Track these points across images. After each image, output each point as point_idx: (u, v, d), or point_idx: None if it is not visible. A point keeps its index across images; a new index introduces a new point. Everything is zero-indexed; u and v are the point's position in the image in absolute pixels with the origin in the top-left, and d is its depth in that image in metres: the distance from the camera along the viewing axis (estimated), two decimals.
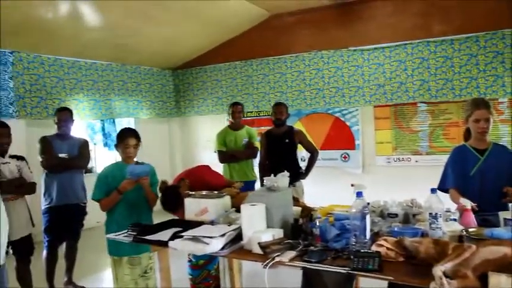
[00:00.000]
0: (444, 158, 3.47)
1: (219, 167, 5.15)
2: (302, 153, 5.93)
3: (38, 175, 4.57)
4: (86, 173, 5.12)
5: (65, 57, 7.30)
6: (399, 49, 7.09)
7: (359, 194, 2.42)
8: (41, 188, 4.62)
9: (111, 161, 5.44)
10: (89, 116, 7.82)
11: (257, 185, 5.53)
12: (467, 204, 2.69)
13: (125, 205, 3.38)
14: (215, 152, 5.77)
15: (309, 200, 3.94)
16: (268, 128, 5.67)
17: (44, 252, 4.67)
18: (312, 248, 2.43)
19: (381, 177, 7.12)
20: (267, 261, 2.28)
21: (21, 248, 4.11)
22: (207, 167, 3.97)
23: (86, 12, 6.21)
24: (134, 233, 2.94)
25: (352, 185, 2.75)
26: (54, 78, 7.15)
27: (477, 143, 3.21)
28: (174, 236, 2.71)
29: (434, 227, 2.43)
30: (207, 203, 3.09)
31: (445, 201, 2.66)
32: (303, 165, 5.45)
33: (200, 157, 8.89)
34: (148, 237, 2.83)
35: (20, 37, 6.17)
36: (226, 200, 3.18)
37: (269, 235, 2.50)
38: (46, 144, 4.65)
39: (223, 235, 2.54)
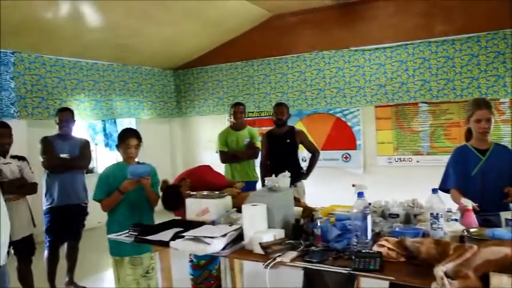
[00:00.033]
0: (445, 158, 3.47)
1: (220, 167, 5.15)
2: (303, 154, 5.92)
3: (39, 175, 4.58)
4: (87, 173, 5.12)
5: (66, 58, 7.31)
6: (400, 49, 7.09)
7: (360, 194, 2.42)
8: (42, 188, 4.62)
9: (112, 162, 5.46)
10: (90, 116, 7.83)
11: (258, 185, 5.53)
12: (469, 204, 2.69)
13: (126, 205, 3.38)
14: (217, 152, 5.77)
15: (310, 200, 3.94)
16: (270, 128, 5.67)
17: (46, 253, 4.67)
18: (313, 248, 2.43)
19: (382, 178, 7.12)
20: (268, 262, 2.28)
21: (23, 248, 4.11)
22: (208, 167, 3.97)
23: (86, 13, 6.21)
24: (135, 233, 2.94)
25: (353, 185, 2.75)
26: (56, 78, 7.16)
27: (478, 143, 3.21)
28: (176, 236, 2.72)
29: (435, 227, 2.43)
30: (208, 203, 3.09)
31: (447, 202, 2.66)
32: (304, 165, 5.45)
33: (201, 157, 8.90)
34: (149, 238, 2.84)
35: (20, 37, 6.18)
36: (228, 200, 3.18)
37: (270, 235, 2.50)
38: (47, 144, 4.65)
39: (224, 235, 2.54)
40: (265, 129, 6.38)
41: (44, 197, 4.69)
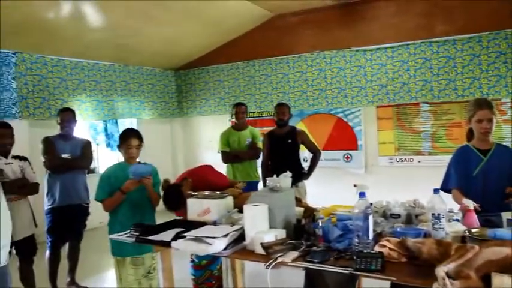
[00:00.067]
0: (447, 159, 3.47)
1: (221, 168, 5.14)
2: (304, 154, 5.92)
3: (40, 175, 4.58)
4: (88, 173, 5.13)
5: (68, 58, 7.31)
6: (402, 49, 7.09)
7: (362, 195, 2.42)
8: (43, 188, 4.63)
9: (113, 162, 5.46)
10: (92, 116, 7.83)
11: (260, 186, 5.52)
12: (470, 204, 2.69)
13: (128, 205, 3.39)
14: (218, 152, 5.77)
15: (311, 201, 3.94)
16: (271, 128, 5.67)
17: (47, 253, 4.68)
18: (314, 248, 2.43)
19: (384, 178, 7.11)
20: (270, 262, 2.28)
21: (24, 248, 4.12)
22: (210, 167, 3.97)
23: (87, 13, 6.21)
24: (137, 233, 2.94)
25: (354, 186, 2.75)
26: (57, 78, 7.16)
27: (480, 144, 3.21)
28: (177, 236, 2.72)
29: (437, 227, 2.43)
30: (209, 203, 3.09)
31: (448, 202, 2.65)
32: (305, 165, 5.45)
33: (202, 157, 8.90)
34: (151, 238, 2.84)
35: (21, 37, 6.18)
36: (229, 200, 3.18)
37: (272, 235, 2.50)
38: (49, 144, 4.66)
39: (225, 235, 2.54)
40: (267, 129, 6.37)
41: (45, 197, 4.69)
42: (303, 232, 2.63)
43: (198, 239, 2.57)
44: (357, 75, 7.49)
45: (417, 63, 6.99)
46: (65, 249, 4.84)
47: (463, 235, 2.36)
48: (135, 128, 5.62)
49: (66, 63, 7.31)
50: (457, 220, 2.58)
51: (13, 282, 3.15)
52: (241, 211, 2.80)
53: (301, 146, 5.35)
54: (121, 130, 3.94)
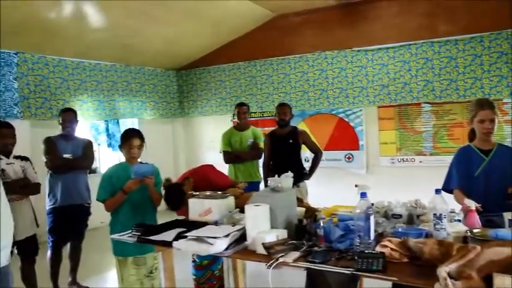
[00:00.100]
0: (448, 159, 3.46)
1: (223, 168, 5.14)
2: (306, 154, 5.92)
3: (42, 176, 4.59)
4: (90, 173, 5.14)
5: (69, 58, 7.32)
6: (403, 49, 7.09)
7: (363, 195, 2.42)
8: (45, 188, 4.63)
9: (115, 162, 5.47)
10: (93, 116, 7.84)
11: (262, 186, 5.52)
12: (472, 205, 2.68)
13: (130, 206, 3.39)
14: (220, 152, 5.77)
15: (312, 201, 3.94)
16: (272, 128, 5.67)
17: (49, 253, 4.68)
18: (315, 248, 2.43)
19: (385, 178, 7.11)
20: (271, 262, 2.28)
21: (26, 248, 4.13)
22: (212, 167, 3.97)
23: (89, 13, 6.22)
24: (138, 233, 2.95)
25: (356, 186, 2.75)
26: (59, 79, 7.17)
27: (482, 144, 3.20)
28: (178, 236, 2.72)
29: (438, 227, 2.43)
30: (211, 203, 3.09)
31: (450, 202, 2.65)
32: (306, 165, 5.45)
33: (204, 158, 8.90)
34: (152, 238, 2.84)
35: (22, 37, 6.19)
36: (230, 200, 3.18)
37: (273, 236, 2.50)
38: (50, 144, 4.66)
39: (227, 235, 2.55)
40: (268, 129, 6.37)
41: (47, 197, 4.70)
42: (305, 232, 2.63)
43: (199, 239, 2.57)
44: (359, 76, 7.49)
45: (419, 63, 6.99)
46: (66, 249, 4.84)
47: (464, 235, 2.35)
48: (137, 128, 5.61)
49: (67, 64, 7.32)
50: (459, 220, 2.57)
51: (15, 282, 3.14)
52: (242, 211, 2.80)
53: (303, 146, 5.35)
54: (122, 130, 3.94)
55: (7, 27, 5.56)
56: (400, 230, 2.58)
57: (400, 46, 7.10)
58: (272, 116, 6.78)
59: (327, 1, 7.35)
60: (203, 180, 3.64)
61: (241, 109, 5.70)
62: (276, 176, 3.10)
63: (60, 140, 4.74)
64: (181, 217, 3.44)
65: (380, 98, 7.34)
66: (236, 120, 5.79)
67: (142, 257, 3.39)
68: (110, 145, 8.70)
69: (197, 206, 3.14)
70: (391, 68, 7.19)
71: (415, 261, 2.14)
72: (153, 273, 3.49)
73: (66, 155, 4.68)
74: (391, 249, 2.21)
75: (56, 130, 4.85)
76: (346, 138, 7.79)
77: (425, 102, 7.07)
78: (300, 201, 3.31)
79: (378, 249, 2.24)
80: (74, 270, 4.86)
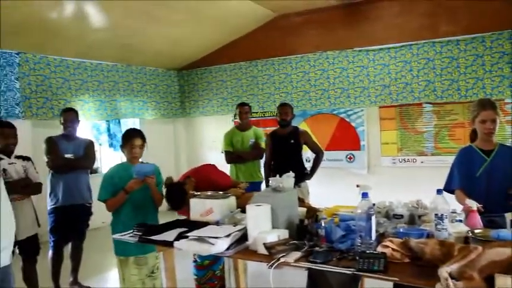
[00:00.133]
0: (450, 159, 3.46)
1: (224, 168, 5.15)
2: (307, 154, 5.93)
3: (43, 175, 4.60)
4: (91, 173, 5.13)
5: (71, 58, 7.33)
6: (405, 50, 7.08)
7: (365, 195, 2.41)
8: (46, 188, 4.64)
9: (116, 162, 5.46)
10: (95, 116, 7.85)
11: (263, 186, 5.53)
12: (473, 205, 2.68)
13: (131, 206, 3.39)
14: (222, 152, 5.78)
15: (314, 201, 3.94)
16: (274, 128, 5.67)
17: (50, 252, 4.68)
18: (317, 248, 2.43)
19: (386, 178, 7.10)
20: (272, 262, 2.28)
21: (28, 247, 4.13)
22: (213, 166, 3.98)
23: (90, 13, 6.22)
24: (140, 233, 2.95)
25: (357, 186, 2.74)
26: (60, 79, 7.18)
27: (483, 144, 3.20)
28: (180, 236, 2.72)
29: (440, 228, 2.43)
30: (212, 203, 3.09)
31: (451, 202, 2.65)
32: (308, 165, 5.45)
33: (205, 158, 8.89)
34: (153, 238, 2.84)
35: (24, 37, 6.19)
36: (232, 200, 3.18)
37: (274, 236, 2.50)
38: (52, 144, 4.67)
39: (228, 235, 2.55)
40: (269, 129, 6.37)
41: (48, 197, 4.71)
42: (306, 232, 2.63)
43: (200, 239, 2.57)
44: (360, 76, 7.48)
45: (420, 63, 6.98)
46: (67, 249, 4.85)
47: (466, 236, 2.35)
48: (138, 128, 5.62)
49: (69, 64, 7.32)
50: (460, 221, 2.57)
51: (16, 282, 3.15)
52: (244, 211, 2.80)
53: (304, 146, 5.35)
54: (124, 130, 3.94)
55: (7, 27, 5.56)
56: (401, 230, 2.58)
57: (401, 46, 7.09)
58: (273, 116, 6.79)
59: (328, 1, 7.35)
60: (205, 179, 3.64)
61: (243, 109, 5.71)
62: (277, 176, 3.10)
63: (62, 140, 4.74)
64: (183, 217, 3.44)
65: (381, 98, 7.34)
66: (238, 120, 5.79)
67: (143, 256, 3.39)
68: (111, 145, 8.71)
69: (198, 206, 3.14)
70: (393, 68, 7.19)
71: (417, 262, 2.14)
72: (154, 273, 3.49)
73: (67, 155, 4.69)
74: (393, 249, 2.21)
75: (58, 130, 4.86)
76: (347, 139, 7.78)
77: (426, 103, 7.07)
78: (301, 202, 3.32)
79: (379, 249, 2.24)
80: (75, 270, 4.87)
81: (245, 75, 8.64)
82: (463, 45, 6.65)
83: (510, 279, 1.74)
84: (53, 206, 4.67)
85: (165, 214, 3.58)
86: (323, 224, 2.59)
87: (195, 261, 3.86)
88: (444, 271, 1.81)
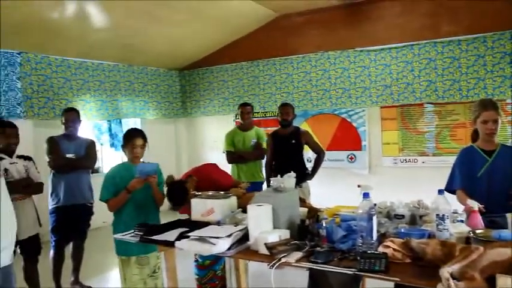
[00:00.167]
0: (451, 159, 3.46)
1: (226, 168, 5.15)
2: (308, 154, 5.92)
3: (45, 175, 4.60)
4: (92, 173, 5.14)
5: (72, 58, 7.33)
6: (406, 50, 7.07)
7: (366, 195, 2.41)
8: (48, 188, 4.64)
9: (117, 162, 5.47)
10: (96, 116, 7.85)
11: (264, 186, 5.52)
12: (475, 205, 2.68)
13: (133, 205, 3.39)
14: (224, 152, 5.78)
15: (315, 201, 3.94)
16: (275, 128, 5.67)
17: (51, 252, 4.69)
18: (318, 248, 2.43)
19: (388, 178, 7.10)
20: (273, 262, 2.28)
21: (29, 247, 4.13)
22: (215, 165, 3.98)
23: (92, 13, 6.23)
24: (141, 233, 2.95)
25: (358, 186, 2.74)
26: (62, 78, 7.18)
27: (485, 144, 3.20)
28: (181, 236, 2.72)
29: (441, 228, 2.42)
30: (213, 203, 3.09)
31: (452, 203, 2.65)
32: (309, 166, 5.45)
33: (206, 158, 8.89)
34: (155, 237, 2.84)
35: (24, 37, 6.20)
36: (233, 200, 3.18)
37: (275, 236, 2.50)
38: (53, 144, 4.67)
39: (229, 235, 2.55)
40: (271, 129, 6.37)
41: (49, 196, 4.71)
42: (307, 232, 2.63)
43: (201, 239, 2.57)
44: (361, 76, 7.48)
45: (421, 63, 6.97)
46: (69, 249, 4.86)
47: (467, 236, 2.35)
48: (139, 128, 5.63)
49: (70, 63, 7.33)
50: (462, 221, 2.57)
51: (17, 281, 3.16)
52: (245, 211, 2.80)
53: (305, 146, 5.35)
54: (125, 130, 3.95)
55: (8, 27, 5.56)
56: (402, 230, 2.58)
57: (403, 46, 7.09)
58: (275, 116, 6.78)
59: (329, 1, 7.35)
60: (206, 178, 3.64)
61: (245, 109, 5.70)
62: (279, 176, 3.10)
63: (63, 139, 4.75)
64: (184, 216, 3.45)
65: (383, 99, 7.33)
66: (239, 120, 5.79)
67: (145, 256, 3.39)
68: (112, 145, 8.71)
69: (199, 206, 3.15)
70: (394, 68, 7.18)
71: (418, 262, 2.14)
72: (156, 272, 3.49)
73: (69, 155, 4.69)
74: (394, 249, 2.20)
75: (59, 130, 4.86)
76: (348, 139, 7.78)
77: (428, 103, 7.06)
78: (303, 202, 3.32)
79: (381, 249, 2.24)
80: (76, 269, 4.87)
81: (246, 75, 8.64)
82: (465, 46, 6.65)
83: (511, 279, 1.74)
84: (54, 206, 4.67)
85: (166, 214, 3.58)
86: (324, 224, 2.59)
87: (196, 261, 3.87)
88: (445, 271, 1.81)
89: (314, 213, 3.00)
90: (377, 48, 7.29)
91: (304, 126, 7.47)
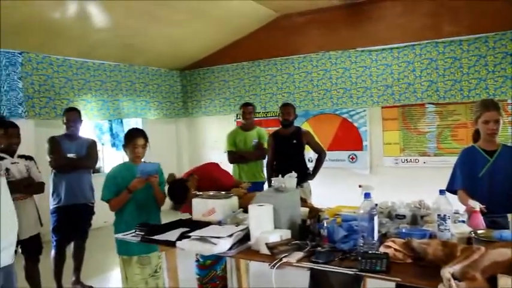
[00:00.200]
0: (452, 160, 3.46)
1: (228, 168, 5.15)
2: (309, 154, 5.92)
3: (46, 175, 4.60)
4: (93, 173, 5.14)
5: (73, 58, 7.34)
6: (407, 50, 7.07)
7: (367, 195, 2.41)
8: (49, 187, 4.65)
9: (118, 161, 5.48)
10: (97, 116, 7.85)
11: (266, 186, 5.52)
12: (476, 205, 2.68)
13: (134, 205, 3.39)
14: (225, 152, 5.78)
15: (316, 201, 3.94)
16: (276, 128, 5.67)
17: (52, 252, 4.69)
18: (319, 249, 2.43)
19: (389, 178, 7.10)
20: (274, 262, 2.28)
21: (30, 247, 4.13)
22: (216, 165, 3.99)
23: (93, 13, 6.24)
24: (142, 233, 2.95)
25: (359, 186, 2.74)
26: (63, 78, 7.19)
27: (486, 145, 3.20)
28: (182, 236, 2.73)
29: (442, 228, 2.42)
30: (214, 203, 3.09)
31: (454, 203, 2.65)
32: (310, 166, 5.45)
33: (207, 157, 8.88)
34: (156, 237, 2.85)
35: (24, 37, 6.20)
36: (234, 200, 3.18)
37: (276, 236, 2.50)
38: (54, 144, 4.67)
39: (230, 235, 2.55)
40: (272, 129, 6.37)
41: (51, 196, 4.71)
42: (308, 232, 2.63)
43: (203, 239, 2.57)
44: (363, 76, 7.47)
45: (423, 63, 6.96)
46: (70, 249, 4.86)
47: (468, 236, 2.35)
48: (140, 127, 5.63)
49: (71, 63, 7.33)
50: (463, 221, 2.57)
51: (18, 281, 3.16)
52: (246, 211, 2.80)
53: (306, 146, 5.35)
54: (126, 130, 3.95)
55: (8, 27, 5.56)
56: (403, 230, 2.58)
57: (404, 46, 7.08)
58: (276, 116, 6.77)
59: (330, 1, 7.34)
60: (207, 177, 3.65)
61: (247, 109, 5.70)
62: (280, 176, 3.10)
63: (64, 139, 4.75)
64: (185, 215, 3.45)
65: (384, 99, 7.33)
66: (240, 120, 5.79)
67: (147, 256, 3.39)
68: (113, 145, 8.71)
69: (201, 206, 3.15)
70: (395, 69, 7.17)
71: (419, 262, 2.14)
72: (157, 272, 3.49)
73: (70, 155, 4.70)
74: (395, 249, 2.20)
75: (60, 130, 4.87)
76: (349, 139, 7.78)
77: (429, 103, 7.05)
78: (304, 202, 3.31)
79: (382, 249, 2.24)
80: (77, 269, 4.88)
81: (247, 75, 8.64)
82: (466, 46, 6.64)
83: None
84: (55, 206, 4.67)
85: (167, 214, 3.58)
86: (325, 224, 2.58)
87: (197, 260, 3.87)
88: (447, 271, 1.81)
89: (315, 213, 3.00)
90: (378, 48, 7.29)
91: (306, 126, 7.47)
